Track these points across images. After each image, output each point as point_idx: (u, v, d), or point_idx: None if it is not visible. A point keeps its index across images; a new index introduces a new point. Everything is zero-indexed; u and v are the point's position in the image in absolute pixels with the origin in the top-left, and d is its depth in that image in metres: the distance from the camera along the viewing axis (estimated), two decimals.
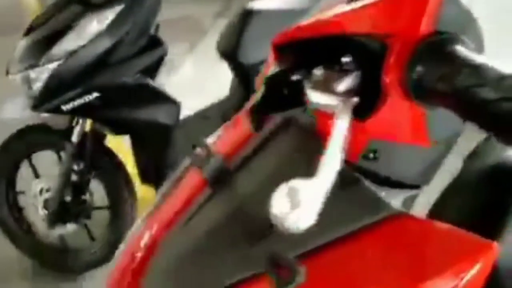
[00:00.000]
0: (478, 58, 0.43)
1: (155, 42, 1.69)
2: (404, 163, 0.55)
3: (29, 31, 1.66)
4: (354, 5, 0.53)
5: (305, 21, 0.58)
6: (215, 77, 2.16)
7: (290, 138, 0.59)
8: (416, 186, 0.58)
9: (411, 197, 0.60)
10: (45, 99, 1.60)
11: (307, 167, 0.47)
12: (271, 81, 0.58)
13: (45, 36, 1.60)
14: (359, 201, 0.51)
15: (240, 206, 0.57)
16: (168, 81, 1.79)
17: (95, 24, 1.57)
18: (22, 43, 1.65)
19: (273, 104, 0.59)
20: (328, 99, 0.52)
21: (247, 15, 1.67)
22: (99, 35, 1.57)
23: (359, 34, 0.52)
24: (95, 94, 1.59)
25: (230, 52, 1.66)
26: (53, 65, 1.56)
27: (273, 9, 1.68)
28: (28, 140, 1.82)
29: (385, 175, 0.54)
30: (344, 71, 0.53)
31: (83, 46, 1.56)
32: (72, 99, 1.59)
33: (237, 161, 0.61)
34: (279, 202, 0.44)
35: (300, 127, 0.58)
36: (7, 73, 1.67)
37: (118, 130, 1.75)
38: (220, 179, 0.60)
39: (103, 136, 1.81)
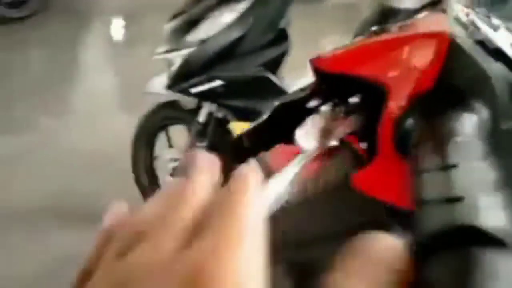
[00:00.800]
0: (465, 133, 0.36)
1: (282, 36, 1.71)
2: None
3: (175, 16, 1.83)
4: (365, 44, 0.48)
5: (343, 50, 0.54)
6: None
7: None
8: None
9: None
10: (177, 81, 1.76)
11: None
12: (286, 105, 0.57)
13: (184, 23, 1.75)
14: None
15: None
16: (289, 75, 1.80)
17: (226, 16, 1.65)
18: (168, 27, 1.83)
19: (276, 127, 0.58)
20: (310, 143, 0.50)
21: (384, 13, 1.58)
22: (228, 27, 1.65)
23: (364, 76, 0.47)
24: (219, 82, 1.69)
25: None
26: (186, 51, 1.70)
27: (407, 9, 1.54)
28: (164, 114, 2.03)
29: None
30: (350, 112, 0.50)
31: (213, 36, 1.67)
32: (199, 84, 1.72)
33: None
34: None
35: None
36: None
37: (239, 117, 1.84)
38: None
39: (227, 120, 1.93)
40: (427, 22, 0.50)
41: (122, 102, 3.38)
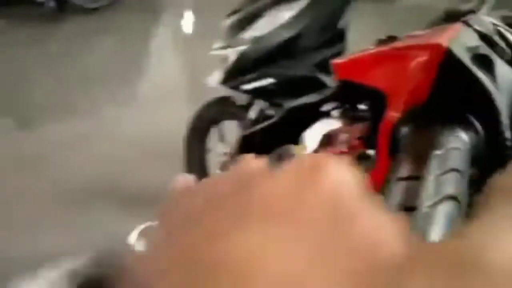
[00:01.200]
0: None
1: (339, 37, 1.68)
2: None
3: (233, 12, 1.85)
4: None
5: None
6: None
7: None
8: None
9: None
10: (230, 77, 1.78)
11: None
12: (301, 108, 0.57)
13: (241, 20, 1.77)
14: None
15: None
16: None
17: (282, 15, 1.65)
18: (225, 23, 1.85)
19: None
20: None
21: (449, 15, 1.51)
22: (283, 25, 1.65)
23: (366, 85, 0.46)
24: (270, 80, 1.69)
25: None
26: (241, 48, 1.72)
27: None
28: (218, 109, 2.07)
29: None
30: (359, 118, 0.49)
31: (268, 34, 1.67)
32: (251, 80, 1.73)
33: None
34: None
35: None
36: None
37: None
38: None
39: None
40: (436, 32, 0.48)
41: (186, 93, 3.47)
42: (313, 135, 0.51)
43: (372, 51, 0.46)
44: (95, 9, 4.49)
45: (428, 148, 0.34)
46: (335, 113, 0.51)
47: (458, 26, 0.49)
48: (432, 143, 0.35)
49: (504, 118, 0.39)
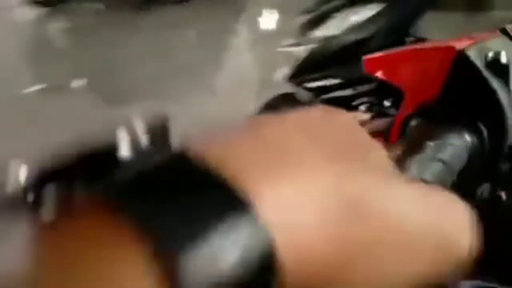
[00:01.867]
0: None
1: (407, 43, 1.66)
2: None
3: (306, 11, 1.89)
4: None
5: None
6: None
7: None
8: None
9: None
10: (295, 74, 1.82)
11: None
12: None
13: (313, 19, 1.80)
14: None
15: None
16: None
17: (354, 17, 1.66)
18: (297, 21, 1.89)
19: None
20: None
21: None
22: (353, 28, 1.66)
23: (389, 81, 0.49)
24: (334, 81, 1.71)
25: None
26: (308, 47, 1.75)
27: None
28: (281, 105, 2.11)
29: None
30: (383, 113, 0.52)
31: (338, 35, 1.68)
32: (316, 79, 1.76)
33: None
34: None
35: None
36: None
37: None
38: None
39: None
40: (469, 37, 0.49)
41: (256, 87, 3.56)
42: None
43: (397, 50, 0.49)
44: (178, 2, 4.71)
45: (427, 140, 0.36)
46: (363, 107, 0.54)
47: (494, 34, 0.50)
48: (432, 136, 0.37)
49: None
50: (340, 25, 1.69)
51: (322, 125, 0.25)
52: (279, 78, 2.00)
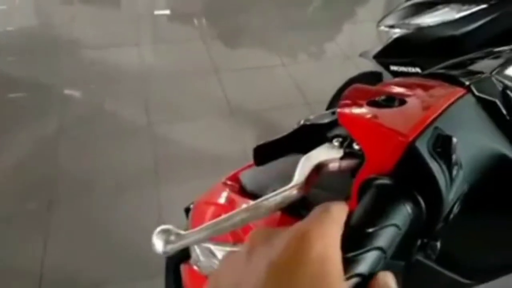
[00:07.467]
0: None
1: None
2: None
3: None
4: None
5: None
6: None
7: None
8: None
9: None
10: (383, 54, 1.86)
11: None
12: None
13: (416, 5, 1.80)
14: None
15: None
16: None
17: (450, 13, 1.64)
18: (402, 4, 1.90)
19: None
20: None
21: None
22: (451, 23, 1.65)
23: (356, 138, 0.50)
24: (417, 70, 1.73)
25: None
26: (401, 32, 1.77)
27: None
28: (365, 81, 2.15)
29: None
30: (352, 153, 0.51)
31: (429, 27, 1.69)
32: (400, 64, 1.79)
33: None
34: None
35: None
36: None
37: None
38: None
39: None
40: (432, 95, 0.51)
41: (345, 62, 3.56)
42: (307, 162, 0.51)
43: (366, 114, 0.48)
44: None
45: (366, 228, 0.37)
46: (336, 141, 0.52)
47: (459, 92, 0.50)
48: (373, 223, 0.38)
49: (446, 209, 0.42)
50: (439, 17, 1.69)
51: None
52: (367, 55, 2.03)
